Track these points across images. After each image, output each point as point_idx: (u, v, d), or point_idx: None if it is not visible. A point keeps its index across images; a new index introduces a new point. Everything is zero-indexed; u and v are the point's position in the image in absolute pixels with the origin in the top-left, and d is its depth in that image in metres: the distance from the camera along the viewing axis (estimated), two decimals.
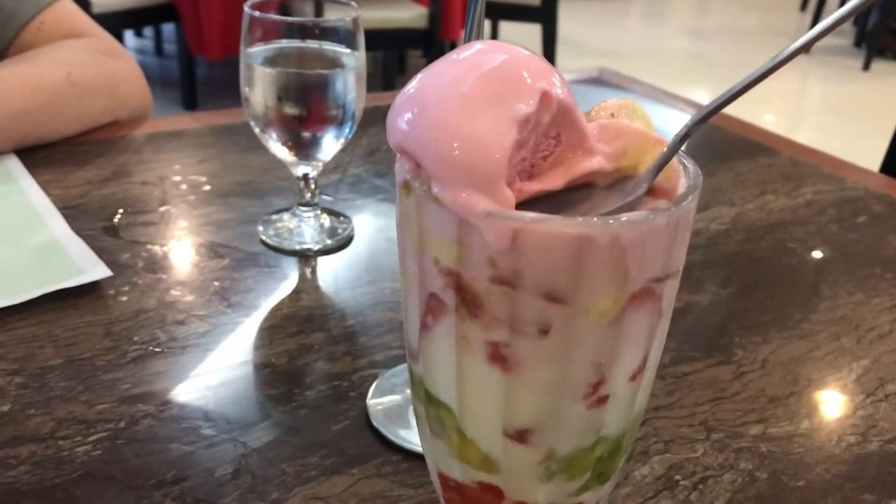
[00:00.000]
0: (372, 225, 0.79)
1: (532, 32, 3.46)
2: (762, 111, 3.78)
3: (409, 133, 0.27)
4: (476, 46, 0.28)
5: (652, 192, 0.29)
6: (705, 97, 4.12)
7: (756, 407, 0.57)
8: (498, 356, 0.29)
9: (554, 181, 0.27)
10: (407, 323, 0.32)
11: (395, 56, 3.30)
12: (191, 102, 3.08)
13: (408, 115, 0.28)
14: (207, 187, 0.82)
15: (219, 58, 2.83)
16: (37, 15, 0.90)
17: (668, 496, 0.49)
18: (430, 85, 0.28)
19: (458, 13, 3.06)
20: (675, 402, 0.57)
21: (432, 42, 2.94)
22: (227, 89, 3.43)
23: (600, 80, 1.24)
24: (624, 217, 0.26)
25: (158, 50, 3.80)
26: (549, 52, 3.41)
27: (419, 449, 0.51)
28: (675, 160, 0.30)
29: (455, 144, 0.26)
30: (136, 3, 2.79)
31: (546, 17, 3.45)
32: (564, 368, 0.28)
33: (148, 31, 3.86)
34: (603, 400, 0.30)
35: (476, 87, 0.26)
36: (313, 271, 0.71)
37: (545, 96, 0.27)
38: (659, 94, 1.20)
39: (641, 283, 0.27)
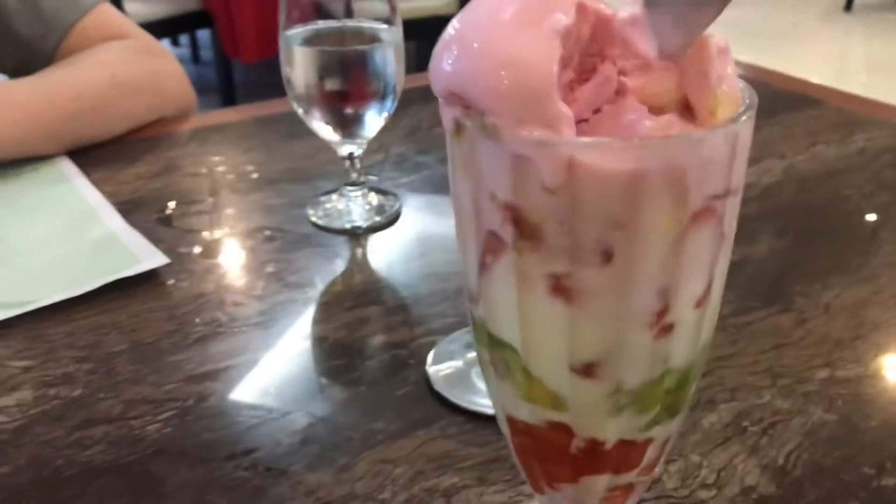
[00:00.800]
0: (419, 200, 0.79)
1: None
2: (805, 73, 3.69)
3: (454, 73, 0.27)
4: None
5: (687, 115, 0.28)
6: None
7: (821, 352, 0.56)
8: (560, 288, 0.29)
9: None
10: (465, 266, 0.32)
11: (427, 45, 3.31)
12: (230, 106, 3.12)
13: (450, 57, 0.27)
14: (255, 175, 0.83)
15: (254, 60, 2.86)
16: (79, 20, 0.92)
17: (738, 442, 0.48)
18: (465, 23, 0.28)
19: None
20: (738, 351, 0.56)
21: None
22: (265, 91, 3.46)
23: None
24: (681, 137, 0.26)
25: (195, 57, 3.85)
26: None
27: (482, 410, 0.51)
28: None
29: (502, 71, 0.26)
30: (170, 11, 2.83)
31: None
32: (628, 296, 0.28)
33: (183, 38, 3.92)
34: (668, 328, 0.29)
35: (512, 13, 0.26)
36: (364, 248, 0.72)
37: (581, 7, 0.27)
38: None
39: (702, 202, 0.27)
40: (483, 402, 0.51)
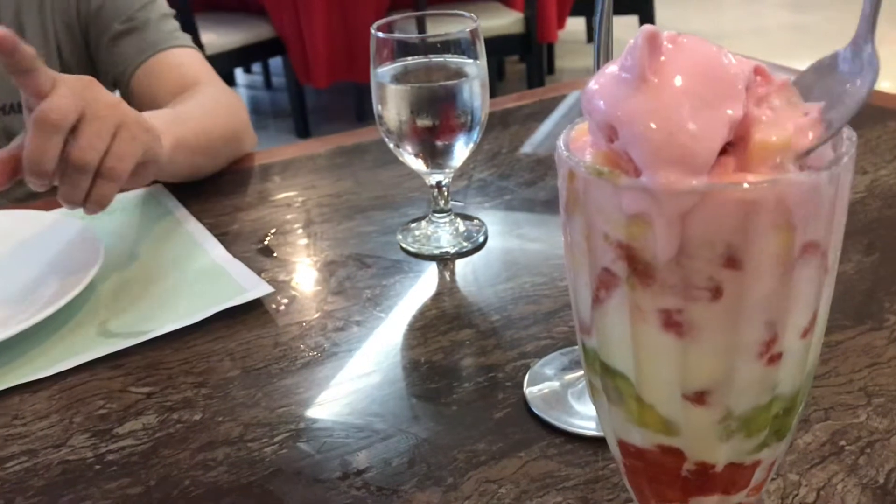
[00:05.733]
0: (504, 224, 0.81)
1: (630, 24, 3.42)
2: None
3: (623, 111, 0.28)
4: (694, 43, 0.30)
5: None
6: None
7: None
8: (672, 322, 0.31)
9: None
10: (577, 300, 0.34)
11: (494, 63, 3.34)
12: (303, 130, 3.20)
13: (622, 94, 0.29)
14: (346, 204, 0.87)
15: (326, 85, 2.94)
16: (168, 49, 0.99)
17: (836, 461, 0.49)
18: (648, 67, 0.29)
19: (553, 15, 3.07)
20: (830, 370, 0.57)
21: (530, 46, 2.96)
22: (336, 114, 3.55)
23: None
24: (788, 177, 0.28)
25: (267, 83, 3.96)
26: None
27: (581, 431, 0.53)
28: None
29: (672, 135, 0.28)
30: (245, 40, 2.93)
31: (643, 7, 3.42)
32: (738, 329, 0.30)
33: (256, 66, 4.04)
34: (776, 357, 0.31)
35: (701, 87, 0.28)
36: (453, 273, 0.74)
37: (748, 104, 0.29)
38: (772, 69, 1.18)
39: (807, 240, 0.29)
40: (581, 424, 0.53)
